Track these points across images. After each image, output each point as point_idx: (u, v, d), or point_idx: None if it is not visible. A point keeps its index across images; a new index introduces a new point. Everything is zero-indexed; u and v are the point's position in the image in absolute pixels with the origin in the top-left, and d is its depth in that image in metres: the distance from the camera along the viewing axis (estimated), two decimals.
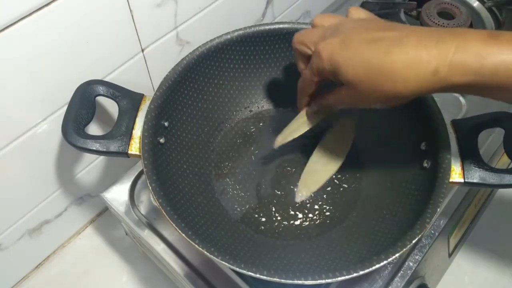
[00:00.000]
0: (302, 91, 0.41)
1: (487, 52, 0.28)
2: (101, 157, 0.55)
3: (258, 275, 0.33)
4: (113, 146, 0.40)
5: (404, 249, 0.34)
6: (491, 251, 0.60)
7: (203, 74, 0.47)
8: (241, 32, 0.47)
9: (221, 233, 0.42)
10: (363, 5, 0.70)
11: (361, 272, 0.34)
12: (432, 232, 0.46)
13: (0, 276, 0.53)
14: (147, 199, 0.50)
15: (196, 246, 0.34)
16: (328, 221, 0.45)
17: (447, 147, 0.39)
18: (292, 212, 0.46)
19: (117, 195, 0.50)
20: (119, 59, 0.46)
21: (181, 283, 0.47)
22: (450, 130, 0.41)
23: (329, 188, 0.48)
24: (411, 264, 0.44)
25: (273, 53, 0.50)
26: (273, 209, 0.46)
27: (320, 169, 0.48)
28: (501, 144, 0.47)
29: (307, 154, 0.49)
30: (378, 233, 0.40)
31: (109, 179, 0.53)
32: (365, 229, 0.42)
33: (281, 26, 0.48)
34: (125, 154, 0.40)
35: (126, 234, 0.57)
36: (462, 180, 0.38)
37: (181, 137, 0.46)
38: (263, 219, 0.46)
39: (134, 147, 0.40)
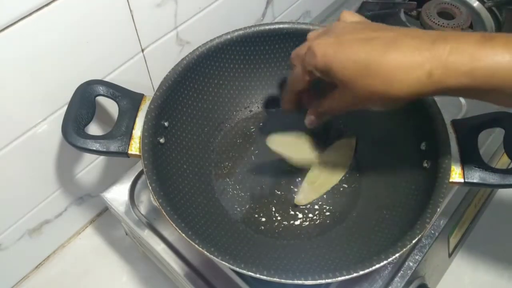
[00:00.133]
0: (291, 87, 0.40)
1: (481, 55, 0.28)
2: (101, 157, 0.55)
3: (258, 275, 0.33)
4: (113, 146, 0.40)
5: (404, 249, 0.34)
6: (491, 251, 0.60)
7: (203, 74, 0.47)
8: (241, 32, 0.47)
9: (221, 233, 0.42)
10: (363, 5, 0.70)
11: (361, 272, 0.34)
12: (432, 232, 0.46)
13: (0, 276, 0.53)
14: (147, 199, 0.50)
15: (196, 246, 0.34)
16: (328, 221, 0.45)
17: (447, 147, 0.39)
18: (292, 212, 0.46)
19: (117, 195, 0.50)
20: (119, 59, 0.46)
21: (181, 283, 0.47)
22: (450, 130, 0.41)
23: (330, 187, 0.48)
24: (411, 264, 0.44)
25: (273, 53, 0.50)
26: (273, 209, 0.46)
27: (320, 182, 0.48)
28: (501, 144, 0.47)
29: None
30: (378, 233, 0.40)
31: (109, 179, 0.53)
32: (365, 229, 0.42)
33: (281, 26, 0.48)
34: (125, 154, 0.40)
35: (126, 234, 0.57)
36: (462, 180, 0.38)
37: (181, 137, 0.46)
38: (263, 219, 0.46)
39: (134, 147, 0.40)
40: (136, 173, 0.51)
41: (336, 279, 0.33)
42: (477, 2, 0.69)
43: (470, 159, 0.39)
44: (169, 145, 0.44)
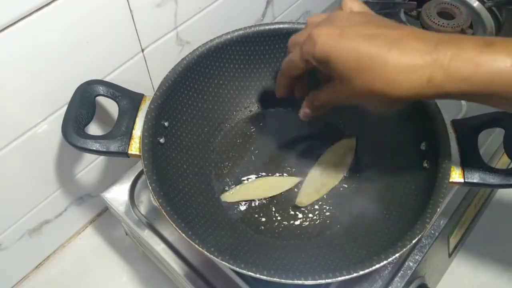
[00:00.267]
0: (285, 72, 0.39)
1: (481, 60, 0.28)
2: (101, 157, 0.55)
3: (258, 275, 0.33)
4: (113, 146, 0.40)
5: (404, 249, 0.34)
6: (491, 251, 0.60)
7: (203, 74, 0.47)
8: (241, 32, 0.47)
9: (221, 233, 0.42)
10: None
11: (361, 272, 0.34)
12: (432, 232, 0.46)
13: (0, 276, 0.53)
14: (147, 199, 0.50)
15: (196, 246, 0.34)
16: (328, 221, 0.45)
17: (447, 147, 0.39)
18: (292, 212, 0.46)
19: (117, 195, 0.50)
20: (119, 59, 0.46)
21: (181, 283, 0.47)
22: (450, 130, 0.41)
23: (330, 188, 0.48)
24: (411, 264, 0.44)
25: (273, 53, 0.50)
26: (273, 209, 0.46)
27: (320, 182, 0.48)
28: (501, 144, 0.47)
29: (306, 154, 0.50)
30: (378, 233, 0.40)
31: (109, 179, 0.53)
32: (365, 229, 0.42)
33: (281, 26, 0.48)
34: (125, 154, 0.40)
35: (126, 234, 0.57)
36: (462, 180, 0.38)
37: (181, 137, 0.46)
38: (263, 219, 0.46)
39: (134, 147, 0.40)
40: (136, 173, 0.51)
41: (336, 279, 0.33)
42: (477, 2, 0.69)
43: (470, 159, 0.39)
44: (169, 145, 0.44)
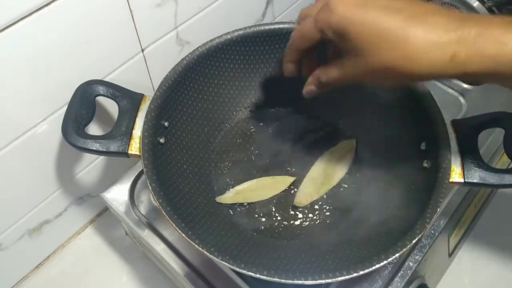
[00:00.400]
0: (295, 44, 0.36)
1: (506, 39, 0.27)
2: (101, 157, 0.55)
3: (258, 275, 0.33)
4: (113, 146, 0.40)
5: (404, 249, 0.34)
6: (491, 251, 0.60)
7: (203, 74, 0.47)
8: (241, 32, 0.47)
9: (221, 233, 0.42)
10: None
11: (361, 272, 0.34)
12: (432, 232, 0.46)
13: (0, 276, 0.53)
14: (147, 199, 0.50)
15: (196, 246, 0.34)
16: (328, 221, 0.45)
17: (447, 147, 0.39)
18: (292, 212, 0.46)
19: (117, 195, 0.50)
20: (119, 59, 0.46)
21: (181, 283, 0.47)
22: (450, 130, 0.41)
23: (329, 188, 0.48)
24: (411, 264, 0.44)
25: (273, 53, 0.50)
26: (273, 209, 0.46)
27: (320, 182, 0.48)
28: (501, 144, 0.47)
29: (306, 154, 0.50)
30: (378, 233, 0.40)
31: (109, 179, 0.53)
32: (365, 229, 0.42)
33: (281, 26, 0.48)
34: (125, 154, 0.40)
35: (126, 234, 0.57)
36: (462, 180, 0.38)
37: (181, 137, 0.46)
38: (263, 219, 0.46)
39: (134, 147, 0.40)
40: (136, 173, 0.51)
41: (336, 279, 0.33)
42: (477, 2, 0.69)
43: (470, 159, 0.39)
44: (169, 145, 0.44)
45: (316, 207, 0.46)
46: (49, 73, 0.41)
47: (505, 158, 0.55)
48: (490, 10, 0.69)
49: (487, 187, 0.39)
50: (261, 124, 0.52)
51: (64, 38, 0.39)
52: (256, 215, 0.46)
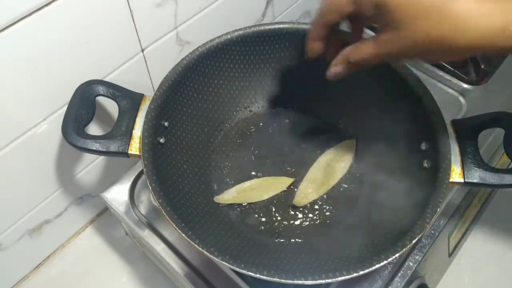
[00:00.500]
0: (323, 17, 0.33)
1: None
2: (101, 157, 0.55)
3: (258, 275, 0.33)
4: (113, 146, 0.40)
5: (404, 249, 0.34)
6: (491, 251, 0.60)
7: (203, 74, 0.47)
8: (241, 32, 0.47)
9: (221, 233, 0.42)
10: None
11: (361, 272, 0.34)
12: (432, 232, 0.46)
13: (0, 276, 0.53)
14: (147, 199, 0.50)
15: (196, 246, 0.34)
16: (328, 221, 0.45)
17: (447, 147, 0.39)
18: (292, 212, 0.46)
19: (117, 195, 0.50)
20: (119, 59, 0.46)
21: (181, 283, 0.47)
22: (450, 130, 0.41)
23: (329, 188, 0.48)
24: (411, 264, 0.44)
25: (273, 53, 0.50)
26: (273, 209, 0.46)
27: (320, 182, 0.48)
28: (501, 144, 0.47)
29: (306, 154, 0.50)
30: (378, 233, 0.40)
31: (109, 179, 0.53)
32: (365, 229, 0.42)
33: (281, 26, 0.48)
34: (125, 154, 0.40)
35: (126, 234, 0.57)
36: (462, 180, 0.38)
37: (181, 137, 0.46)
38: (263, 219, 0.46)
39: (134, 147, 0.40)
40: (136, 173, 0.51)
41: (336, 279, 0.33)
42: None
43: (470, 159, 0.39)
44: (169, 145, 0.44)
45: (316, 207, 0.46)
46: (49, 73, 0.41)
47: (505, 158, 0.55)
48: None
49: (487, 187, 0.39)
50: (261, 124, 0.52)
51: (64, 38, 0.39)
52: (256, 215, 0.46)
